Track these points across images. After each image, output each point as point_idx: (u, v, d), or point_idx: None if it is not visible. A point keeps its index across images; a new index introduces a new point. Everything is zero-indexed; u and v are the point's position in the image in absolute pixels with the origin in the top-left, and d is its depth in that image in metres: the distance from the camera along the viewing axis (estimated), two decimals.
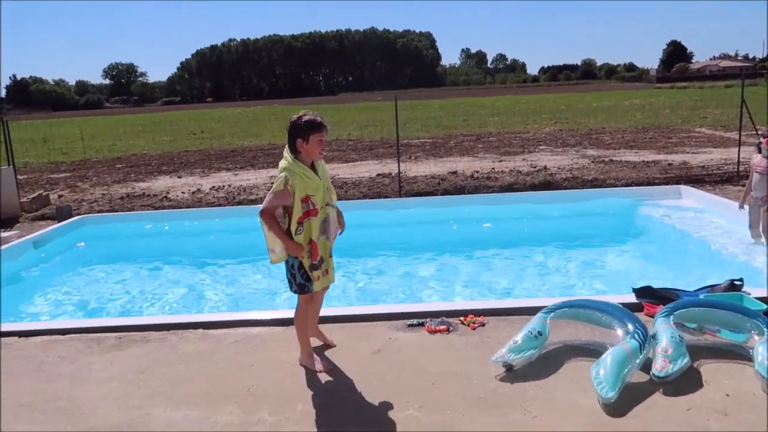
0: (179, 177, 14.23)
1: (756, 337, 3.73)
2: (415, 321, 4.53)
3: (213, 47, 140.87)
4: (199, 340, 4.46)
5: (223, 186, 12.34)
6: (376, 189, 10.97)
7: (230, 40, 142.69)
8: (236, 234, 8.44)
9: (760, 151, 6.25)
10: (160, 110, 78.68)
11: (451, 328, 4.41)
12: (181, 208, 10.20)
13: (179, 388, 3.73)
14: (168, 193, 11.85)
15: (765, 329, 3.73)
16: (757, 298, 4.41)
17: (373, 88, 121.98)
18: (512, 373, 3.71)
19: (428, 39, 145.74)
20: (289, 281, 3.85)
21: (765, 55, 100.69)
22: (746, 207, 6.51)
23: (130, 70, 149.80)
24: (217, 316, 4.93)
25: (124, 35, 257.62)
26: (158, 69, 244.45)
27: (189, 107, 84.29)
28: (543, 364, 3.81)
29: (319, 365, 3.91)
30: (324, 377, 3.82)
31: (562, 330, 4.07)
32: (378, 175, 12.64)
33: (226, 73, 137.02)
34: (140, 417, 3.42)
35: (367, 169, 13.62)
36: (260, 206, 3.69)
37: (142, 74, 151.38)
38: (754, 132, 10.72)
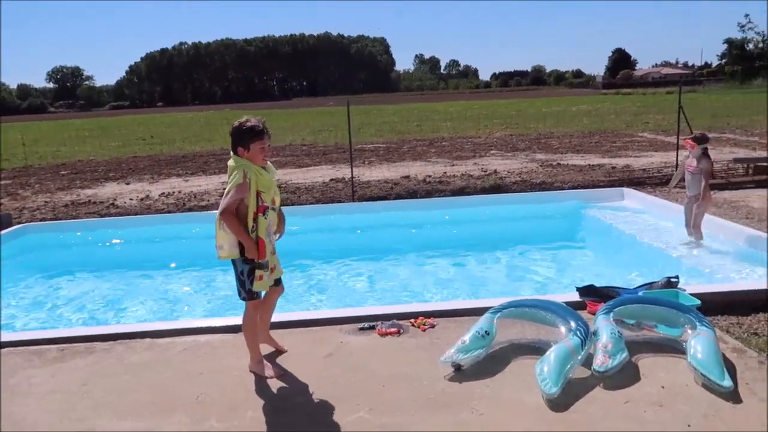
0: (127, 183, 13.87)
1: (689, 332, 3.92)
2: (366, 324, 4.56)
3: (163, 51, 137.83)
4: (146, 349, 4.37)
5: (173, 192, 12.09)
6: (330, 194, 10.96)
7: (181, 44, 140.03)
8: (186, 241, 8.30)
9: (690, 151, 6.62)
10: (108, 115, 76.40)
11: (401, 331, 4.46)
12: (129, 215, 9.94)
13: (125, 399, 3.65)
14: (115, 200, 11.53)
15: (697, 324, 3.93)
16: (691, 294, 4.62)
17: (328, 93, 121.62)
18: (461, 373, 3.79)
19: (382, 44, 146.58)
20: (238, 289, 3.84)
21: (703, 63, 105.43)
22: (684, 206, 6.84)
23: (75, 73, 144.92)
24: (164, 325, 4.83)
25: (68, 37, 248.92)
26: (106, 72, 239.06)
27: (138, 111, 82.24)
28: (490, 363, 3.90)
29: (269, 371, 3.89)
30: (274, 383, 3.80)
31: (509, 329, 4.18)
32: (331, 180, 12.63)
33: (176, 77, 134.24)
34: (84, 429, 3.33)
35: (320, 174, 13.60)
36: (215, 211, 3.65)
37: (89, 78, 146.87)
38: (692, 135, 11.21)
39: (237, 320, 4.71)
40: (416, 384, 3.70)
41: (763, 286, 5.10)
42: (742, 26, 75.48)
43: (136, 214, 9.96)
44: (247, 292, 3.80)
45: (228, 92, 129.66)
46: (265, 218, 3.69)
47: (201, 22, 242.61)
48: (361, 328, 4.54)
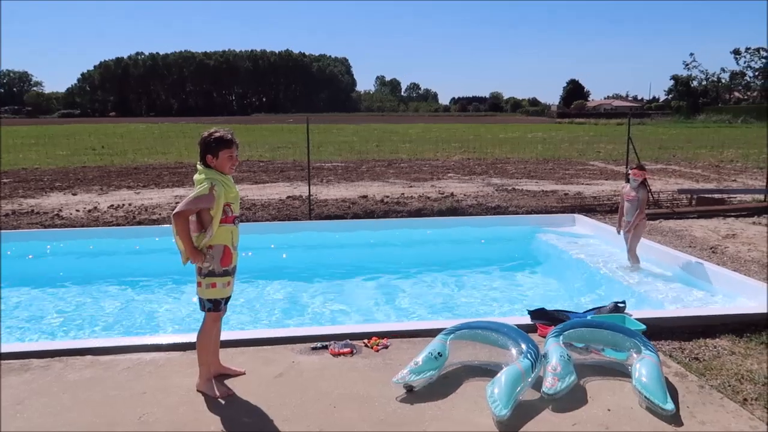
0: (74, 194, 13.40)
1: (635, 355, 4.02)
2: (319, 344, 4.51)
3: (118, 59, 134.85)
4: (87, 367, 4.19)
5: (123, 204, 11.75)
6: (286, 211, 10.86)
7: (138, 54, 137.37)
8: (133, 255, 8.06)
9: (628, 182, 6.93)
10: (56, 123, 73.89)
11: (354, 351, 4.42)
12: (75, 227, 9.58)
13: (61, 419, 3.48)
14: (60, 210, 11.11)
15: (642, 348, 4.04)
16: (637, 319, 4.76)
17: (288, 110, 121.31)
18: (412, 394, 3.77)
19: (344, 64, 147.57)
20: (200, 299, 3.77)
21: (651, 97, 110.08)
22: (623, 233, 7.11)
23: (23, 78, 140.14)
24: (107, 341, 4.64)
25: (17, 40, 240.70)
26: (56, 79, 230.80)
27: (89, 121, 79.91)
28: (442, 385, 3.90)
29: (217, 391, 3.79)
30: (223, 403, 3.70)
31: (462, 351, 4.19)
32: (288, 197, 12.53)
33: (131, 87, 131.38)
34: None
35: (277, 191, 13.47)
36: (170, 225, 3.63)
37: (38, 83, 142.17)
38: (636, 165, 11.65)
39: (184, 337, 4.61)
40: (368, 405, 3.66)
41: (703, 313, 5.30)
42: (687, 65, 79.80)
43: (82, 226, 9.61)
44: (212, 303, 3.74)
45: (185, 105, 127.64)
46: (236, 228, 3.78)
47: (160, 32, 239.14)
48: (314, 348, 4.48)
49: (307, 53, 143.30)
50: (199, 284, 3.76)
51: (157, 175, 16.94)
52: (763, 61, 75.92)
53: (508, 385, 3.57)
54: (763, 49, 75.48)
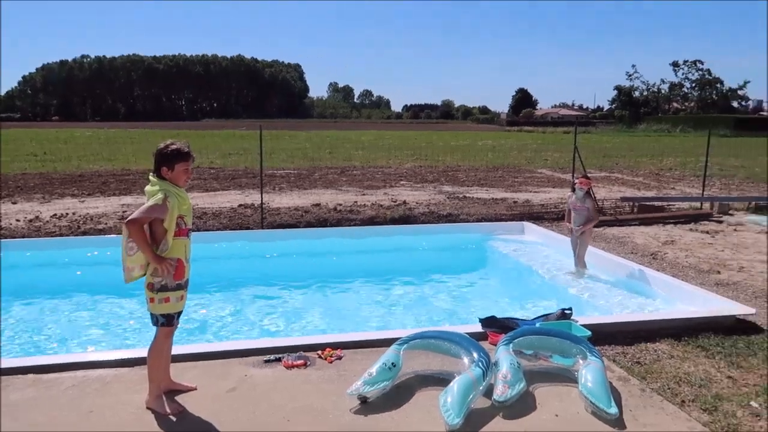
0: (14, 203, 12.84)
1: (581, 362, 4.17)
2: (272, 356, 4.48)
3: (63, 62, 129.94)
4: (29, 386, 4.04)
5: (67, 214, 11.33)
6: (238, 220, 10.72)
7: (83, 56, 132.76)
8: (77, 267, 7.78)
9: (574, 191, 7.20)
10: None
11: (308, 363, 4.41)
12: (15, 238, 9.18)
13: None
14: None
15: (588, 354, 4.19)
16: (582, 325, 4.93)
17: (239, 115, 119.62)
18: (367, 405, 3.80)
19: (297, 70, 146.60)
20: (152, 314, 3.71)
21: (596, 107, 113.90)
22: (570, 239, 7.37)
23: None
24: (50, 359, 4.48)
25: None
26: None
27: (31, 125, 76.64)
28: (396, 395, 3.94)
29: (168, 407, 3.72)
30: (173, 420, 3.63)
31: (415, 360, 4.25)
32: (240, 205, 12.37)
33: (76, 91, 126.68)
34: None
35: (228, 199, 13.28)
36: (116, 235, 3.56)
37: None
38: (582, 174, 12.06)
39: (132, 353, 4.51)
40: (321, 417, 3.67)
41: (644, 318, 5.54)
42: (630, 75, 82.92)
43: (23, 237, 9.23)
44: (165, 317, 3.68)
45: (133, 110, 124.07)
46: (189, 240, 3.75)
47: (106, 35, 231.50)
48: (267, 361, 4.45)
49: (259, 59, 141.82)
50: (151, 300, 3.68)
51: (103, 183, 16.42)
52: (699, 73, 79.84)
53: (461, 393, 3.65)
54: (699, 61, 79.43)
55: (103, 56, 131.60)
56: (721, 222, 11.11)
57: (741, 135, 50.28)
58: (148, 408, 3.74)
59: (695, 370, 4.47)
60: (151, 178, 3.70)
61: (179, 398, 3.88)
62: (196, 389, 4.02)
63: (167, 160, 3.65)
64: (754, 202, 12.87)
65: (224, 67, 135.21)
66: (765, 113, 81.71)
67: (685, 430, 3.57)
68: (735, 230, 10.32)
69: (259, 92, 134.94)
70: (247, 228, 10.13)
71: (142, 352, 4.40)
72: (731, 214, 11.95)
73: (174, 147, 3.67)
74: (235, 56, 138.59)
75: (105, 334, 5.93)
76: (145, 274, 3.68)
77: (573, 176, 12.43)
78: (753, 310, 5.71)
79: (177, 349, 4.19)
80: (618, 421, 3.62)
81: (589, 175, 7.52)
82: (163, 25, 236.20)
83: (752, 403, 3.95)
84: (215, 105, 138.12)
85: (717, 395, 4.04)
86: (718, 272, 7.47)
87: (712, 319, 5.44)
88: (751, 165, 23.94)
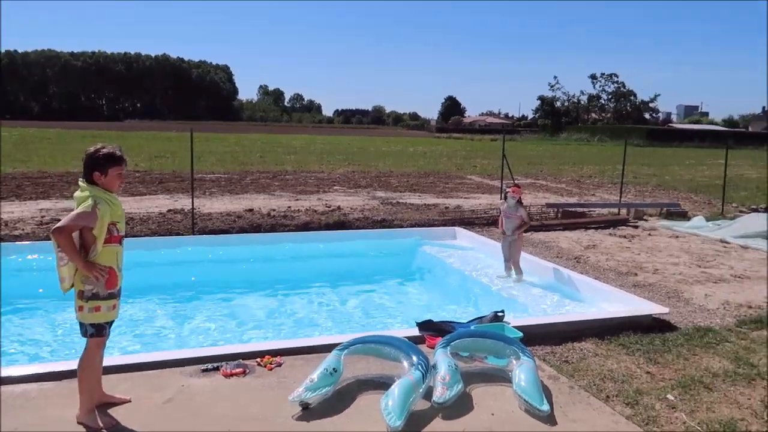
0: None
1: (514, 362, 4.36)
2: (209, 365, 4.40)
3: None
4: None
5: None
6: (167, 226, 10.39)
7: None
8: None
9: (506, 199, 7.50)
10: None
11: (247, 371, 4.37)
12: None
13: None
14: None
15: (521, 354, 4.38)
16: (514, 327, 5.14)
17: (165, 116, 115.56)
18: (309, 411, 3.81)
19: (225, 72, 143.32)
20: (81, 324, 3.56)
21: (521, 115, 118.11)
22: (501, 245, 7.65)
23: None
24: None
25: None
26: None
27: None
28: (337, 400, 3.97)
29: (100, 422, 3.58)
30: None
31: (355, 365, 4.31)
32: (169, 210, 11.99)
33: None
34: None
35: (156, 204, 12.84)
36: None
37: None
38: (512, 181, 12.52)
39: (57, 366, 4.33)
40: (263, 425, 3.65)
41: (571, 319, 5.83)
42: (552, 86, 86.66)
43: None
44: (96, 327, 3.55)
45: (48, 108, 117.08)
46: (121, 247, 3.64)
47: (18, 28, 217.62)
48: (204, 370, 4.37)
49: (186, 59, 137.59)
50: (80, 308, 3.55)
51: (17, 186, 15.45)
52: (615, 86, 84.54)
53: (401, 396, 3.73)
54: (614, 75, 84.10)
55: (15, 51, 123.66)
56: (636, 227, 11.83)
57: (652, 145, 53.67)
58: (79, 423, 3.59)
59: (618, 367, 4.77)
60: (80, 183, 3.56)
61: (112, 411, 3.74)
62: (130, 401, 3.89)
63: (99, 165, 3.53)
64: (665, 209, 13.79)
65: (148, 67, 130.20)
66: (674, 125, 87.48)
67: (610, 423, 3.81)
68: (649, 235, 11.03)
69: (186, 93, 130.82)
70: (178, 234, 9.84)
71: (68, 365, 4.25)
72: (646, 220, 12.75)
73: (106, 151, 3.56)
74: (160, 55, 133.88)
75: (26, 347, 5.63)
76: (73, 286, 3.54)
77: (502, 183, 12.89)
78: (667, 310, 6.14)
79: (107, 360, 4.04)
80: (549, 418, 3.81)
81: (517, 182, 7.85)
82: (81, 21, 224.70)
83: (668, 396, 4.26)
84: (138, 105, 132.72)
85: (637, 390, 4.33)
86: (636, 274, 7.96)
87: (631, 318, 5.81)
88: (661, 173, 25.59)
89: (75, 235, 3.48)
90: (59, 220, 10.38)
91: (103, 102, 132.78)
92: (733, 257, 9.17)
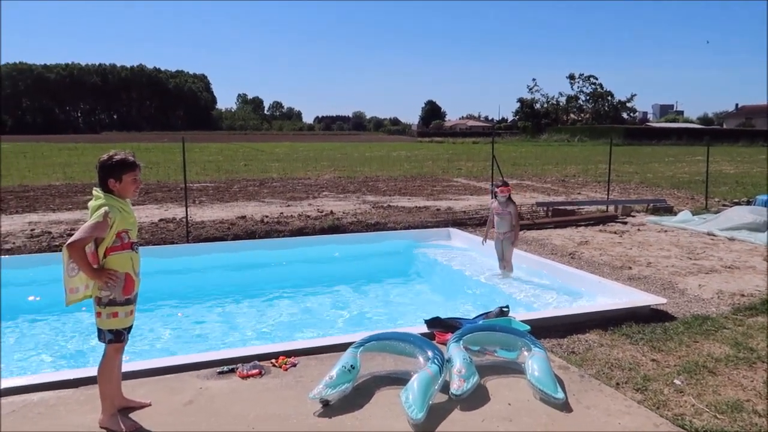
0: None
1: (525, 353, 4.46)
2: (225, 368, 4.43)
3: None
4: None
5: None
6: (161, 235, 10.35)
7: None
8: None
9: (496, 197, 7.62)
10: None
11: (263, 372, 4.41)
12: None
13: None
14: None
15: (532, 346, 4.48)
16: (519, 320, 5.24)
17: (142, 128, 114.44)
18: (329, 408, 3.86)
19: (203, 81, 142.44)
20: (100, 330, 3.58)
21: (501, 118, 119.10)
22: (490, 242, 7.77)
23: None
24: None
25: None
26: None
27: None
28: (356, 396, 4.03)
29: (123, 425, 3.60)
30: None
31: (372, 362, 4.37)
32: (161, 220, 11.93)
33: None
34: None
35: (146, 214, 12.77)
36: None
37: None
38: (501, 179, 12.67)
39: (74, 373, 4.33)
40: (286, 423, 3.70)
41: (573, 312, 5.96)
42: (530, 88, 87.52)
43: None
44: (114, 333, 3.57)
45: (22, 122, 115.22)
46: (136, 254, 3.66)
47: None
48: (221, 372, 4.40)
49: (162, 69, 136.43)
50: (98, 314, 3.57)
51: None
52: (593, 86, 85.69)
53: (421, 389, 3.80)
54: (592, 76, 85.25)
55: None
56: (625, 223, 12.06)
57: (631, 144, 54.49)
58: (102, 427, 3.61)
59: (624, 355, 4.89)
60: (95, 192, 3.59)
61: (133, 415, 3.76)
62: (150, 405, 3.91)
63: (113, 172, 3.55)
64: (652, 204, 14.06)
65: (124, 78, 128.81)
66: (651, 123, 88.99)
67: (623, 408, 3.92)
68: (638, 230, 11.25)
69: (163, 104, 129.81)
70: (172, 242, 9.82)
71: (84, 372, 4.27)
72: (633, 216, 12.99)
73: (119, 157, 3.58)
74: (135, 66, 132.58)
75: (40, 355, 5.62)
76: (91, 295, 3.57)
77: (492, 184, 13.03)
78: (664, 300, 6.31)
79: (124, 366, 4.05)
80: (565, 405, 3.91)
81: (508, 182, 7.95)
82: (54, 32, 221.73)
83: (675, 381, 4.39)
84: (115, 117, 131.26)
85: (645, 376, 4.46)
86: (630, 268, 8.13)
87: (631, 309, 5.95)
88: (643, 171, 26.04)
89: (89, 248, 3.49)
90: (50, 232, 10.43)
91: (79, 115, 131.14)
92: (722, 249, 9.40)
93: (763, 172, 24.69)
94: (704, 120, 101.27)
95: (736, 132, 66.59)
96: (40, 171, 23.79)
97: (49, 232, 10.46)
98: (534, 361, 4.26)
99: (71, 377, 4.21)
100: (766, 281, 7.38)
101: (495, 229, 7.68)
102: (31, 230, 10.79)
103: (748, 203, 13.92)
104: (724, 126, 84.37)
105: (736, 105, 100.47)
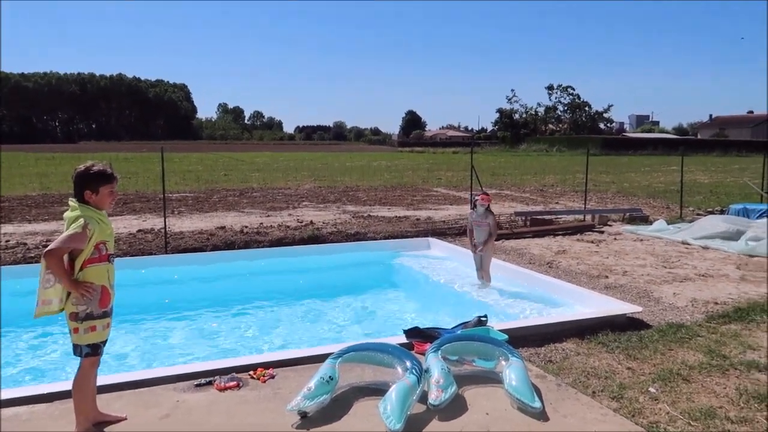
0: None
1: (503, 362, 4.49)
2: (203, 380, 4.40)
3: None
4: None
5: None
6: (139, 246, 10.23)
7: None
8: None
9: (475, 207, 7.69)
10: None
11: (241, 384, 4.38)
12: None
13: None
14: None
15: (509, 355, 4.52)
16: (499, 330, 5.28)
17: (121, 137, 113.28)
18: (307, 420, 3.85)
19: (183, 90, 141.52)
20: (75, 345, 3.55)
21: (480, 128, 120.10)
22: (474, 254, 7.84)
23: None
24: None
25: None
26: None
27: None
28: (335, 407, 4.03)
29: None
30: None
31: (350, 373, 4.37)
32: (139, 230, 11.80)
33: None
34: None
35: (124, 225, 12.62)
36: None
37: None
38: (481, 189, 12.79)
39: (46, 387, 4.27)
40: None
41: (550, 321, 6.02)
42: (509, 99, 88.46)
43: None
44: (91, 347, 3.53)
45: None
46: (112, 266, 3.65)
47: None
48: (198, 385, 4.36)
49: (142, 78, 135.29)
50: (75, 330, 3.52)
51: None
52: (571, 97, 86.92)
53: (399, 400, 3.81)
54: (570, 87, 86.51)
55: None
56: (602, 232, 12.22)
57: (608, 154, 55.32)
58: None
59: (600, 364, 4.95)
60: (71, 203, 3.57)
61: (108, 430, 3.72)
62: (126, 419, 3.86)
63: (91, 184, 3.55)
64: (627, 214, 14.28)
65: (103, 87, 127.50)
66: (627, 134, 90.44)
67: (599, 417, 3.97)
68: (615, 239, 11.41)
69: (143, 113, 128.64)
70: (150, 253, 9.72)
71: (58, 386, 4.20)
72: (610, 225, 13.18)
73: (97, 169, 3.58)
74: (115, 75, 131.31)
75: (8, 370, 5.49)
76: (63, 309, 3.52)
77: (471, 193, 13.14)
78: (640, 309, 6.41)
79: (99, 379, 3.99)
80: (542, 414, 3.95)
81: (487, 192, 8.04)
82: (32, 41, 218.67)
83: (650, 389, 4.46)
84: (94, 126, 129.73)
85: (621, 384, 4.52)
86: (606, 277, 8.25)
87: (608, 318, 6.03)
88: (620, 180, 26.43)
89: (65, 259, 3.47)
90: (25, 244, 10.25)
91: (57, 124, 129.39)
92: (696, 257, 9.58)
93: (736, 182, 25.22)
94: (679, 130, 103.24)
95: (710, 142, 67.99)
96: (17, 181, 23.41)
97: (25, 244, 10.28)
98: (512, 370, 4.30)
99: (45, 391, 4.15)
100: (738, 289, 7.54)
101: (473, 243, 7.73)
102: (6, 241, 10.60)
103: (722, 212, 14.22)
104: (699, 136, 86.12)
105: (710, 116, 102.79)
